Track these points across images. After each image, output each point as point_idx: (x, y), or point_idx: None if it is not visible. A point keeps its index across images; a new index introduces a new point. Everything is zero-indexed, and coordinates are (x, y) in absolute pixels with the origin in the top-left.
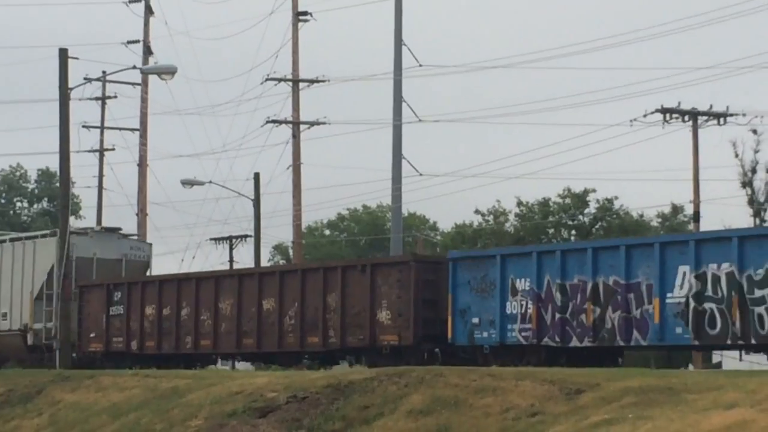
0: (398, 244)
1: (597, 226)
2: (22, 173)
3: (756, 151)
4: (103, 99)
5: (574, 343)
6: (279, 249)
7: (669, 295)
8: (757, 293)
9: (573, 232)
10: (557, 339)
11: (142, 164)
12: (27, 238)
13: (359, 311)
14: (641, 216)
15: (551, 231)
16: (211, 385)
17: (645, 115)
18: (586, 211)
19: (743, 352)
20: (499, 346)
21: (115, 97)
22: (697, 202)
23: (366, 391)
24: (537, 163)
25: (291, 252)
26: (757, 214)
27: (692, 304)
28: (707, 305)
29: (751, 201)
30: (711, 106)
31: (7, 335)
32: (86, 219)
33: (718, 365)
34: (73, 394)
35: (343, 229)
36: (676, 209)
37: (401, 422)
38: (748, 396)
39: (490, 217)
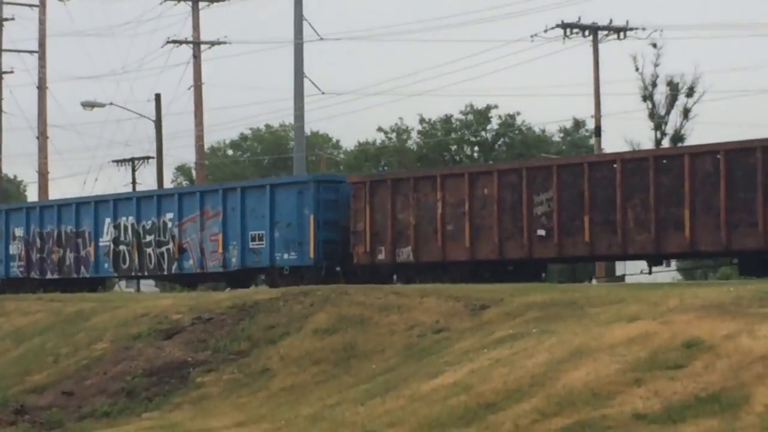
0: (301, 163)
1: (500, 142)
2: None
3: (656, 65)
4: (0, 21)
5: (49, 276)
6: (182, 170)
7: (101, 240)
8: (147, 238)
9: (476, 148)
10: (38, 273)
11: (42, 87)
12: None
13: None
14: (543, 131)
15: (454, 147)
16: (115, 308)
17: (546, 31)
18: (488, 127)
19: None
20: (6, 279)
21: (13, 19)
22: (598, 117)
23: (271, 310)
24: (439, 80)
25: (194, 173)
26: (657, 127)
27: (112, 246)
28: (121, 247)
29: (652, 114)
30: (611, 21)
31: None
32: None
33: (621, 278)
34: None
35: (246, 149)
36: (578, 124)
37: (307, 341)
38: (650, 308)
39: (393, 135)
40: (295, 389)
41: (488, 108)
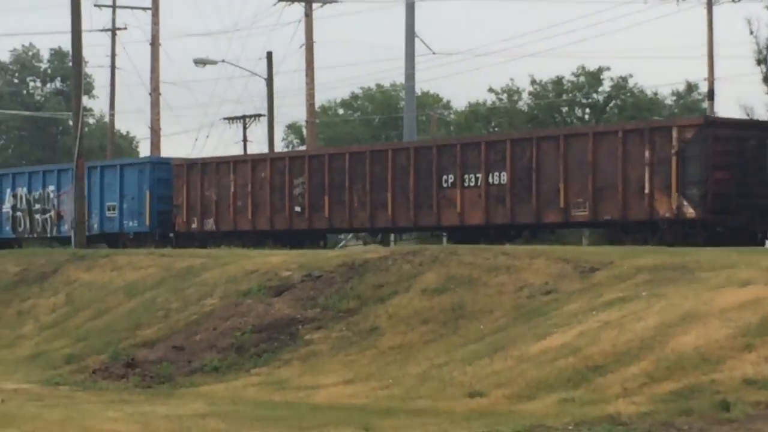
0: (411, 123)
1: (611, 105)
2: (34, 53)
3: None
4: None
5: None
6: (293, 128)
7: (3, 206)
8: (36, 206)
9: (587, 110)
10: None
11: (155, 43)
12: None
13: None
14: (655, 94)
15: (565, 110)
16: (225, 264)
17: None
18: (600, 89)
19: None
20: None
21: None
22: (711, 80)
23: (380, 269)
24: (551, 41)
25: (305, 131)
26: None
27: (11, 212)
28: (18, 213)
29: (766, 78)
30: None
31: None
32: (99, 98)
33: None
34: (88, 273)
35: (357, 108)
36: (691, 87)
37: (415, 300)
38: (762, 273)
39: (504, 96)
40: (403, 348)
41: (600, 70)
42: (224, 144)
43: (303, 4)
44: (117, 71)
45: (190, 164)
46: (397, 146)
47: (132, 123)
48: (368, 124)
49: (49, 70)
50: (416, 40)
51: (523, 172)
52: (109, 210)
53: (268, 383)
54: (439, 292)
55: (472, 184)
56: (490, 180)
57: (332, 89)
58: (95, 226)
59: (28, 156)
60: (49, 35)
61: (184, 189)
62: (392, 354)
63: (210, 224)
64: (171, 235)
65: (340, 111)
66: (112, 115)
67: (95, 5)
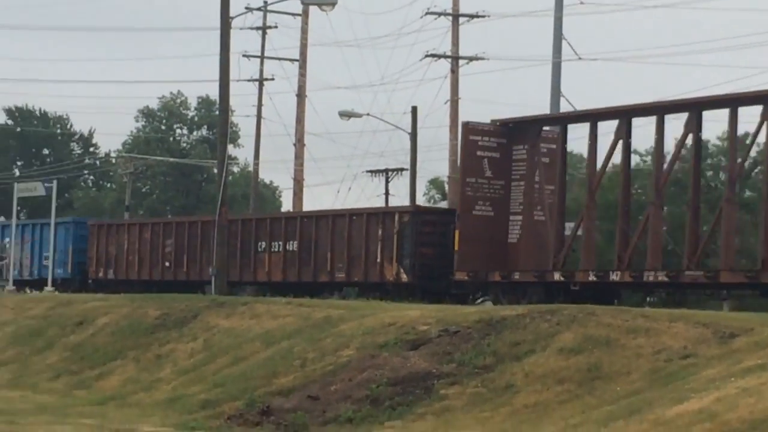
0: None
1: (756, 171)
2: (182, 100)
3: None
4: (263, 29)
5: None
6: (435, 183)
7: None
8: None
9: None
10: None
11: (301, 95)
12: None
13: None
14: None
15: (709, 173)
16: (363, 316)
17: None
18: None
19: None
20: None
21: (276, 27)
22: None
23: (518, 327)
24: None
25: (446, 187)
26: None
27: None
28: None
29: None
30: None
31: None
32: (244, 148)
33: None
34: (227, 320)
35: None
36: None
37: (552, 359)
38: None
39: (648, 157)
40: (537, 407)
41: (746, 135)
42: (366, 197)
43: (449, 60)
44: (263, 121)
45: (101, 225)
46: (232, 218)
47: (276, 173)
48: None
49: (195, 118)
50: (561, 99)
51: (308, 242)
52: (45, 259)
53: None
54: (576, 352)
55: (276, 249)
56: (288, 247)
57: None
58: (35, 271)
59: (172, 202)
60: (197, 83)
61: (94, 245)
62: (527, 413)
63: (111, 274)
64: (90, 281)
65: None
66: (256, 165)
67: (243, 56)
